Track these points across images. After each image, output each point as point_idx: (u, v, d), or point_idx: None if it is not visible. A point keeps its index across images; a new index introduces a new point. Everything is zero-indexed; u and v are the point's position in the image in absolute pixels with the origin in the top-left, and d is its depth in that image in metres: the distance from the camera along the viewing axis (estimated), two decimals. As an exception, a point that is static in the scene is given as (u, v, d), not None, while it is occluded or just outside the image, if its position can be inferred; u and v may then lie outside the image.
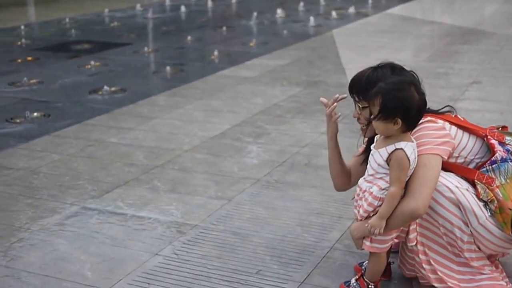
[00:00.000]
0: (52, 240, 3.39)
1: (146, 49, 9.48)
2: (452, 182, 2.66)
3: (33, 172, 4.43)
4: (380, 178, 2.60)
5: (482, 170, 2.71)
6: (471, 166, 2.76)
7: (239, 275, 3.01)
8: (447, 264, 2.73)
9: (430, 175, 2.59)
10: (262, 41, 10.12)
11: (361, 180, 2.71)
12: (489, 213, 2.64)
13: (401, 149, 2.52)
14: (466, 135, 2.77)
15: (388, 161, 2.56)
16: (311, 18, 12.11)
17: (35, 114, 5.99)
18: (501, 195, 2.63)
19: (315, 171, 4.34)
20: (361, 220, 2.67)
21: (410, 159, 2.52)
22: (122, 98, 6.64)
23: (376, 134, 2.70)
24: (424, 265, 2.73)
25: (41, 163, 4.62)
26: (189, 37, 10.37)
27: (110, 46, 9.59)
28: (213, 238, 3.39)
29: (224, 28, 11.60)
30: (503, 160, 2.69)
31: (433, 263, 2.72)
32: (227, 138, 5.14)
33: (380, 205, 2.57)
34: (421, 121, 2.69)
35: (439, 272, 2.71)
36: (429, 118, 2.72)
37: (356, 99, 2.82)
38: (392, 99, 2.49)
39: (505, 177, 2.67)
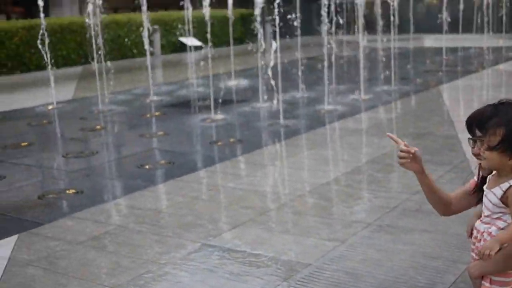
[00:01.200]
0: (176, 273, 3.46)
1: (259, 104, 9.64)
2: None
3: (159, 212, 4.58)
4: (498, 218, 2.45)
5: None
6: None
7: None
8: None
9: None
10: (371, 96, 10.02)
11: (478, 223, 2.56)
12: None
13: None
14: None
15: (503, 199, 2.41)
16: (418, 75, 11.91)
17: (162, 161, 6.23)
18: None
19: (427, 216, 4.18)
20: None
21: None
22: (238, 148, 6.77)
23: (491, 173, 2.56)
24: None
25: (167, 204, 4.78)
26: (299, 92, 10.42)
27: (228, 103, 9.88)
28: (326, 277, 3.33)
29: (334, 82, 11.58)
30: None
31: None
32: (338, 185, 5.09)
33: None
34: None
35: None
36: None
37: (477, 134, 2.69)
38: None
39: None
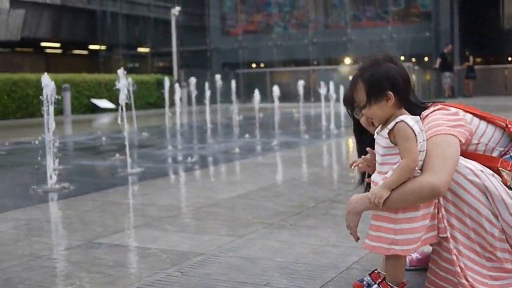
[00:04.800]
0: (57, 265, 3.12)
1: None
2: (475, 165, 2.38)
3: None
4: (393, 163, 2.34)
5: (505, 157, 2.45)
6: (493, 154, 2.50)
7: (247, 287, 2.69)
8: (478, 270, 2.32)
9: (449, 152, 2.30)
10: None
11: (374, 175, 2.44)
12: None
13: (401, 121, 2.29)
14: (483, 122, 2.54)
15: (391, 139, 2.31)
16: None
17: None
18: (530, 183, 2.34)
19: (333, 218, 4.05)
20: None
21: (413, 128, 2.27)
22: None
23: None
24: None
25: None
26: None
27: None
28: (220, 262, 3.10)
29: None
30: (527, 147, 2.43)
31: (463, 267, 2.34)
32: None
33: None
34: (431, 109, 2.48)
35: (469, 278, 2.33)
36: (440, 105, 2.51)
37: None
38: (372, 75, 2.30)
39: None
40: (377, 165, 2.41)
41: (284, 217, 4.10)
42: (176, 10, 14.74)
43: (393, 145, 2.32)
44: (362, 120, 2.60)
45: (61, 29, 27.94)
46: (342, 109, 12.38)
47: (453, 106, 2.53)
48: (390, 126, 2.31)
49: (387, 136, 2.32)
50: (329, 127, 12.10)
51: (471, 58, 23.97)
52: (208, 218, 4.17)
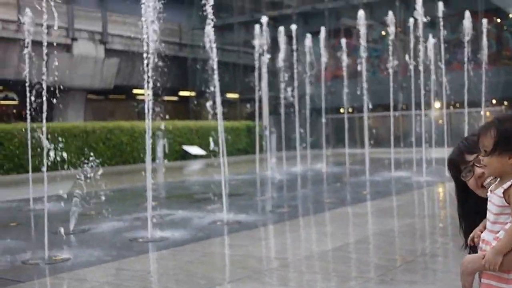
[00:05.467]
0: None
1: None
2: None
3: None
4: (504, 223, 2.34)
5: None
6: None
7: None
8: None
9: None
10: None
11: (484, 233, 2.44)
12: None
13: None
14: None
15: (506, 198, 2.31)
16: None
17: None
18: None
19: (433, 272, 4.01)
20: None
21: None
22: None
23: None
24: None
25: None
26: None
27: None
28: None
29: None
30: None
31: None
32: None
33: None
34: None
35: None
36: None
37: (472, 156, 2.63)
38: (509, 128, 2.32)
39: None
40: (488, 223, 2.42)
41: (385, 271, 4.09)
42: (266, 57, 15.10)
43: (507, 204, 2.33)
44: (471, 182, 2.61)
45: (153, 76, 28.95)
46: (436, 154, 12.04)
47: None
48: (506, 185, 2.33)
49: (501, 195, 2.33)
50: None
51: None
52: (309, 271, 4.22)
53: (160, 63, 7.45)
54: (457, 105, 21.16)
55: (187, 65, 30.35)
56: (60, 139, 15.61)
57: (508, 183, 2.36)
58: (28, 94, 8.65)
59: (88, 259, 4.82)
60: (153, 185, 7.68)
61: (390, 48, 14.54)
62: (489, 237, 2.42)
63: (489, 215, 2.45)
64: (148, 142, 6.41)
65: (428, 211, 7.77)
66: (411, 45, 15.31)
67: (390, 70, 14.69)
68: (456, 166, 2.67)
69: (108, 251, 5.26)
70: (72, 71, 23.10)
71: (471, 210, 2.67)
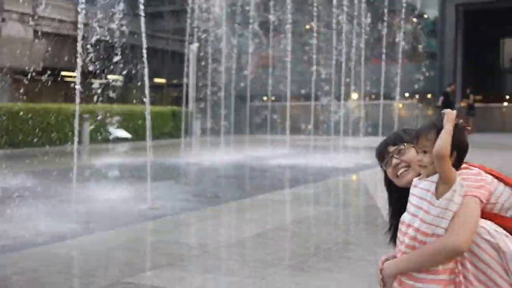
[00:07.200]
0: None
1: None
2: (490, 225, 2.42)
3: None
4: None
5: (519, 218, 2.48)
6: (507, 215, 2.53)
7: None
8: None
9: (471, 215, 2.35)
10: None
11: (404, 215, 2.46)
12: None
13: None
14: (501, 184, 2.58)
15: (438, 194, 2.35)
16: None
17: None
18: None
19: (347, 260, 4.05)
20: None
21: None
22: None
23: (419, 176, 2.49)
24: None
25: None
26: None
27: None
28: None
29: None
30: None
31: None
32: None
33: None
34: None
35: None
36: (464, 165, 2.55)
37: (393, 148, 2.66)
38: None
39: None
40: (407, 213, 2.44)
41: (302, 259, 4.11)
42: (195, 46, 14.94)
43: (427, 198, 2.35)
44: (389, 171, 2.65)
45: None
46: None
47: (475, 166, 2.57)
48: (434, 178, 2.35)
49: (434, 190, 2.34)
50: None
51: (471, 97, 24.10)
52: (230, 258, 4.18)
53: (89, 47, 7.24)
54: (373, 96, 21.75)
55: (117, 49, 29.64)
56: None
57: (434, 178, 2.39)
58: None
59: None
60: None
61: (315, 41, 14.74)
62: (406, 218, 2.43)
63: (409, 206, 2.49)
64: (76, 124, 6.34)
65: (343, 199, 7.89)
66: (334, 41, 15.58)
67: (314, 63, 14.91)
68: (382, 156, 2.75)
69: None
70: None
71: (394, 197, 2.75)
